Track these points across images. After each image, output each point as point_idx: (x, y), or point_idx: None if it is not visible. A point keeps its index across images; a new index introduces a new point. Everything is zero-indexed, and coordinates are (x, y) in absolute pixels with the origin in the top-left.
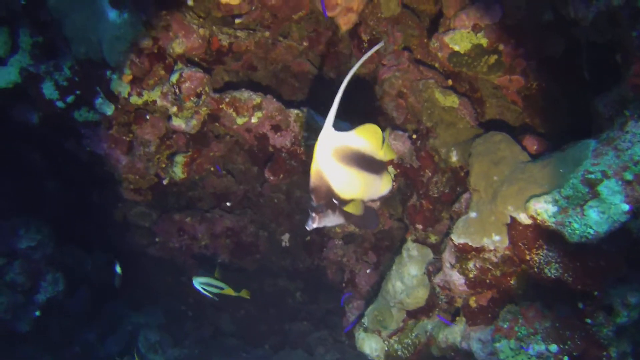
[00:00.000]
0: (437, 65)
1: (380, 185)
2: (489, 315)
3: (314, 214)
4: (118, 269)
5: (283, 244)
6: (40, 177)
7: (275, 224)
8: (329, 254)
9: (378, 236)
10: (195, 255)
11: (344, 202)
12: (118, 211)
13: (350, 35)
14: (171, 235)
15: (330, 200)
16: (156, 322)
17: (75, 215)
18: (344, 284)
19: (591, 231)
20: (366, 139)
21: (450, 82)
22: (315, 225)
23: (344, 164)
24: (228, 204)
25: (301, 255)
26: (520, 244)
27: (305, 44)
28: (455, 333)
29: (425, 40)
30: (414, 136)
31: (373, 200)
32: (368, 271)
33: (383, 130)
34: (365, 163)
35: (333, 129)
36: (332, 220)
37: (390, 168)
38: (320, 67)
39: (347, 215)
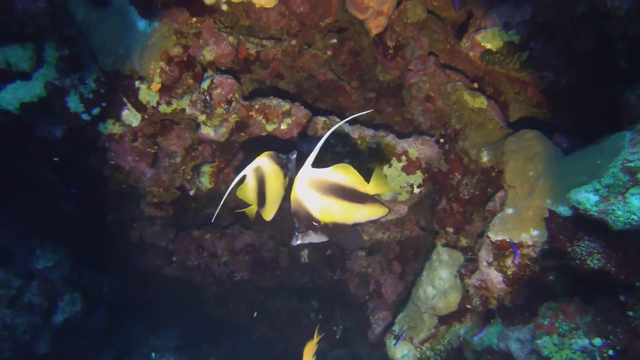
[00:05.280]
0: (462, 68)
1: (367, 213)
2: (526, 314)
3: (297, 233)
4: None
5: (302, 259)
6: (57, 198)
7: None
8: (353, 265)
9: (404, 244)
10: (213, 273)
11: (325, 225)
12: (134, 231)
13: (374, 43)
14: (189, 252)
15: (311, 223)
16: (173, 344)
17: (91, 236)
18: (367, 296)
19: (635, 217)
20: (343, 174)
21: (475, 85)
22: (299, 242)
23: (321, 193)
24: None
25: (322, 270)
26: (560, 237)
27: (329, 52)
28: (491, 334)
29: (449, 47)
30: (441, 140)
31: (360, 224)
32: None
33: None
34: (344, 193)
35: (311, 166)
36: (314, 238)
37: (418, 172)
38: (343, 77)
39: (330, 235)
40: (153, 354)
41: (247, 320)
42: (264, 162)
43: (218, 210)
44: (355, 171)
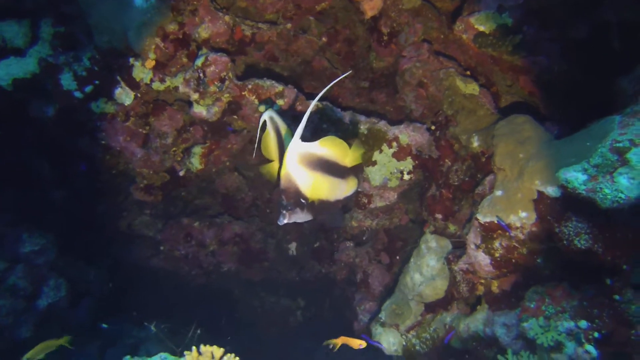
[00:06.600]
0: (455, 57)
1: (345, 188)
2: (513, 299)
3: (284, 212)
4: None
5: (290, 252)
6: (47, 187)
7: (283, 232)
8: (341, 255)
9: (392, 235)
10: (201, 263)
11: (312, 202)
12: (122, 221)
13: (369, 30)
14: (178, 242)
15: (299, 200)
16: (158, 336)
17: (79, 226)
18: (355, 287)
19: (622, 196)
20: (329, 148)
21: (468, 73)
22: (286, 221)
23: (310, 169)
24: None
25: (309, 263)
26: (548, 217)
27: (324, 39)
28: (477, 321)
29: (442, 36)
30: (433, 127)
31: (339, 200)
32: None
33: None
34: (329, 168)
35: (300, 140)
36: (300, 217)
37: (409, 159)
38: (337, 66)
39: (315, 213)
40: (104, 325)
41: (233, 318)
42: (274, 114)
43: (256, 148)
44: (341, 141)
